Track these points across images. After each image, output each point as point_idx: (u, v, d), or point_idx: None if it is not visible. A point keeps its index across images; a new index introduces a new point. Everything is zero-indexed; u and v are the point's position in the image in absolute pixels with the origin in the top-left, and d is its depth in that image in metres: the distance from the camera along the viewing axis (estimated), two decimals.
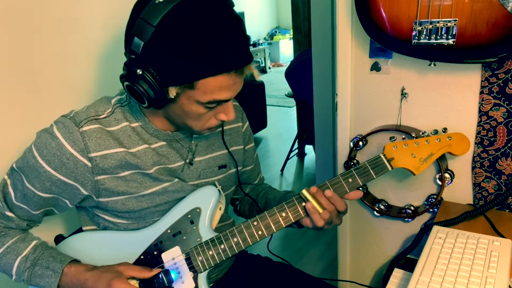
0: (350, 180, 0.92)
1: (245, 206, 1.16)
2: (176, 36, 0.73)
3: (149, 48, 0.75)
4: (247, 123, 1.10)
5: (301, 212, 0.90)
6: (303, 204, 0.90)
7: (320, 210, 0.88)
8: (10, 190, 0.89)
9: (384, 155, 0.94)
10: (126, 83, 0.80)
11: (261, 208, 1.08)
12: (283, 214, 0.90)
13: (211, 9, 0.74)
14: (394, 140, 0.96)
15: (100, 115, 0.87)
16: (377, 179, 1.34)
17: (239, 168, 1.07)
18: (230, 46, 0.76)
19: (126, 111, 0.89)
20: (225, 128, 1.02)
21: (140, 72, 0.76)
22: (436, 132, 0.97)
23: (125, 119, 0.89)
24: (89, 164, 0.84)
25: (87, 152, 0.84)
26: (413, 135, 0.96)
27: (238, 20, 0.78)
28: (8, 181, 0.90)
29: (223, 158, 1.01)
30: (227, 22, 0.75)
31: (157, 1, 0.73)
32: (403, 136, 0.97)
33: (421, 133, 0.96)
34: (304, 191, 0.89)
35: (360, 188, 1.32)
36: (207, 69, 0.75)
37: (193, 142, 0.96)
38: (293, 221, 0.90)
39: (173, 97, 0.79)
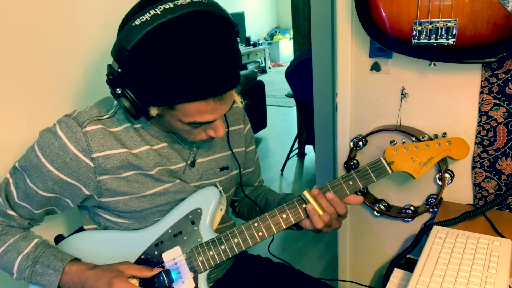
0: (350, 182, 0.92)
1: (244, 208, 1.16)
2: (149, 62, 0.71)
3: (124, 71, 0.75)
4: (249, 125, 1.10)
5: (301, 213, 0.90)
6: (304, 205, 0.90)
7: (321, 212, 0.88)
8: (12, 189, 0.89)
9: (385, 159, 0.94)
10: (113, 97, 0.81)
11: (261, 209, 1.08)
12: (284, 216, 0.90)
13: (187, 36, 0.70)
14: (395, 143, 0.96)
15: (103, 116, 0.87)
16: None
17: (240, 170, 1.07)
18: (208, 73, 0.72)
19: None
20: (229, 129, 1.02)
21: (120, 91, 0.77)
22: (436, 136, 0.98)
23: (127, 120, 0.89)
24: (92, 164, 0.84)
25: (90, 152, 0.84)
26: (413, 139, 0.97)
27: (221, 44, 0.73)
28: (11, 180, 0.90)
29: (224, 159, 1.02)
30: (206, 48, 0.71)
31: (133, 24, 0.71)
32: (404, 140, 0.98)
33: (421, 137, 0.96)
34: (305, 193, 0.90)
35: (359, 193, 1.33)
36: (181, 95, 0.74)
37: (194, 144, 0.96)
38: (293, 222, 0.90)
39: (155, 115, 0.79)
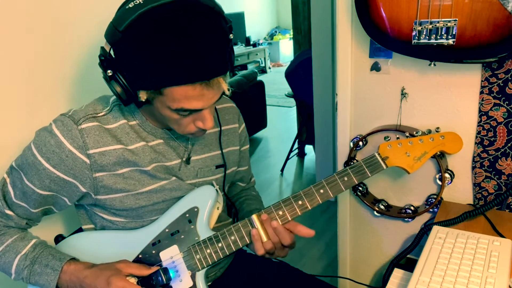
0: (345, 178, 0.92)
1: (225, 206, 1.17)
2: (139, 44, 0.72)
3: (115, 52, 0.76)
4: (243, 124, 1.11)
5: (246, 237, 0.90)
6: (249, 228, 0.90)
7: (264, 239, 0.88)
8: (10, 188, 0.89)
9: (379, 154, 0.94)
10: (106, 82, 0.81)
11: (237, 212, 1.10)
12: (232, 238, 0.90)
13: (178, 20, 0.72)
14: (389, 139, 0.97)
15: (99, 113, 0.88)
16: (377, 179, 1.35)
17: (234, 168, 1.07)
18: (196, 58, 0.73)
19: (123, 109, 0.90)
20: (223, 128, 1.03)
21: (111, 73, 0.77)
22: (429, 131, 0.98)
23: (122, 117, 0.89)
24: (88, 161, 0.85)
25: (86, 149, 0.84)
26: (407, 134, 0.97)
27: (211, 31, 0.74)
28: (8, 180, 0.90)
29: (220, 157, 1.02)
30: (195, 34, 0.72)
31: (127, 7, 0.73)
32: (398, 136, 0.98)
33: (415, 133, 0.97)
34: (254, 216, 0.89)
35: (359, 192, 1.33)
36: (168, 78, 0.74)
37: (189, 141, 0.96)
38: (240, 245, 0.90)
39: (144, 100, 0.79)
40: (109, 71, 0.77)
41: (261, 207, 1.09)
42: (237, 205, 1.12)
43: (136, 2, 0.73)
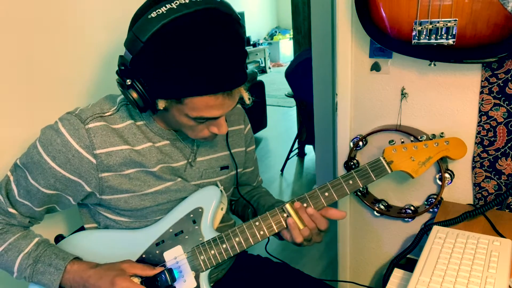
0: (350, 182, 0.92)
1: (239, 207, 1.17)
2: (163, 54, 0.73)
3: (137, 62, 0.76)
4: (249, 125, 1.11)
5: (283, 223, 0.90)
6: (285, 215, 0.90)
7: (301, 227, 0.89)
8: (13, 186, 0.89)
9: (384, 158, 0.95)
10: (120, 89, 0.81)
11: (255, 210, 1.09)
12: (267, 222, 0.91)
13: (202, 30, 0.73)
14: (393, 143, 0.97)
15: (106, 113, 0.88)
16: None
17: (239, 169, 1.08)
18: (218, 68, 0.74)
19: (131, 109, 0.90)
20: (228, 129, 1.03)
21: (130, 82, 0.78)
22: (434, 136, 0.99)
23: (130, 117, 0.89)
24: (94, 161, 0.85)
25: (93, 149, 0.84)
26: (411, 139, 0.98)
27: (233, 42, 0.75)
28: (11, 178, 0.90)
29: (225, 159, 1.02)
30: (217, 45, 0.73)
31: (149, 17, 0.73)
32: (402, 140, 0.99)
33: (419, 137, 0.98)
34: (288, 206, 0.89)
35: (359, 193, 1.33)
36: (191, 89, 0.75)
37: (195, 142, 0.96)
38: (276, 231, 0.90)
39: (162, 108, 0.80)
40: (128, 80, 0.78)
41: (278, 200, 1.09)
42: (252, 203, 1.12)
43: (159, 12, 0.72)
